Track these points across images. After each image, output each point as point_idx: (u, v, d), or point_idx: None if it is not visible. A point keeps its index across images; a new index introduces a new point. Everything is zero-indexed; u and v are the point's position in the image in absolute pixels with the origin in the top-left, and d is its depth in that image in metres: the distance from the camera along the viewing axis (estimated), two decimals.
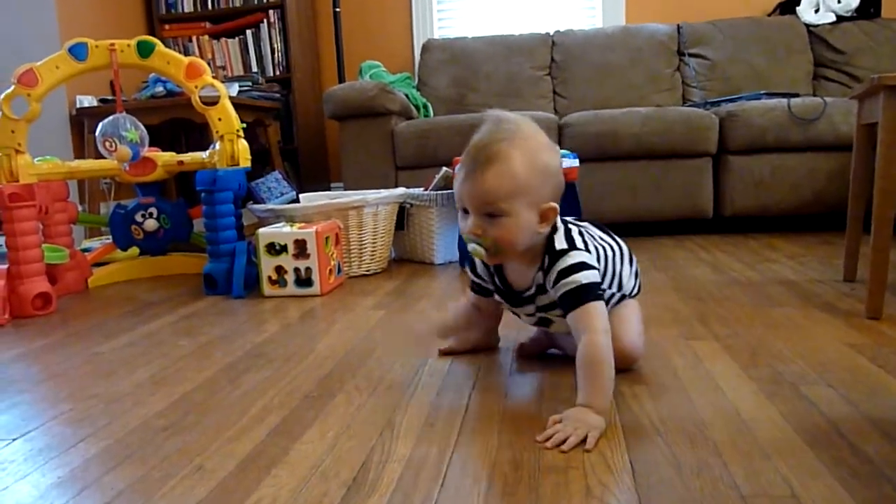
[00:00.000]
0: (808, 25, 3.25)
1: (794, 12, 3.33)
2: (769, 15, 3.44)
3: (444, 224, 2.27)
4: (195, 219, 2.35)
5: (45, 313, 1.87)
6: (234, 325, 1.62)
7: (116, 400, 1.15)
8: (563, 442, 0.89)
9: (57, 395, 1.20)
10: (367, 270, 2.16)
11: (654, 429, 0.93)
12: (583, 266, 1.02)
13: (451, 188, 2.30)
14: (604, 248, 1.14)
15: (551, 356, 1.28)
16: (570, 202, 2.26)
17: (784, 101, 2.63)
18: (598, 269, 1.05)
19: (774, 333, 1.35)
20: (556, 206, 1.01)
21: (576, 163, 2.24)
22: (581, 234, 1.09)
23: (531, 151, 0.98)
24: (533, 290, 1.09)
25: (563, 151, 2.27)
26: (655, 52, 3.29)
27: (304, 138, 3.66)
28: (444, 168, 2.34)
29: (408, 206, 2.31)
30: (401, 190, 2.25)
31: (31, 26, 2.97)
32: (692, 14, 3.45)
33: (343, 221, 2.06)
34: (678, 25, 3.35)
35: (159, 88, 2.97)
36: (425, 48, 3.50)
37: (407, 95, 3.16)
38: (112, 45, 2.06)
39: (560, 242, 1.04)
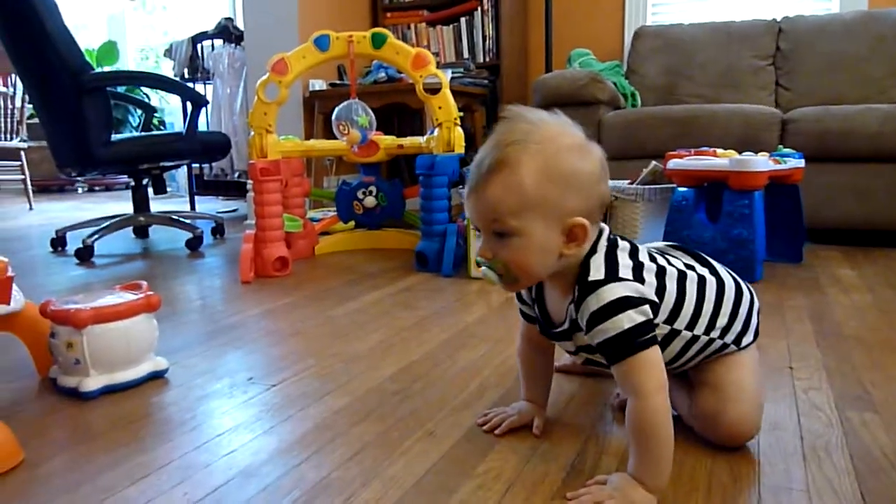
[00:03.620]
0: None
1: None
2: None
3: (648, 219, 2.24)
4: (408, 199, 2.53)
5: (283, 275, 2.14)
6: (445, 303, 1.74)
7: (353, 361, 1.30)
8: None
9: (303, 351, 1.38)
10: None
11: (889, 462, 0.88)
12: (623, 304, 0.79)
13: (660, 183, 2.26)
14: (683, 273, 0.90)
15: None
16: (793, 206, 2.13)
17: None
18: (649, 303, 0.81)
19: None
20: (586, 222, 0.80)
21: (801, 163, 2.10)
22: (635, 254, 0.85)
23: (548, 155, 0.78)
24: (566, 326, 0.88)
25: (787, 151, 2.14)
26: None
27: None
28: (654, 162, 2.30)
29: (612, 198, 2.30)
30: (614, 182, 2.25)
31: (276, 17, 3.32)
32: None
33: None
34: None
35: (381, 74, 3.20)
36: (637, 35, 3.42)
37: (615, 84, 3.12)
38: (350, 36, 2.26)
39: (596, 270, 0.81)
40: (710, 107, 2.72)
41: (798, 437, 0.95)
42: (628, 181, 2.35)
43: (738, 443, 0.91)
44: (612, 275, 0.81)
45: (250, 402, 1.12)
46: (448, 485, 0.83)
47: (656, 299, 0.83)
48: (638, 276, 0.82)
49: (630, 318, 0.78)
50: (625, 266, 0.82)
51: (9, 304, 1.16)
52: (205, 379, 1.23)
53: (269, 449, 0.95)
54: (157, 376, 1.24)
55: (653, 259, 0.87)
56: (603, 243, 0.84)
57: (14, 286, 1.16)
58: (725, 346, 0.93)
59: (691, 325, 0.89)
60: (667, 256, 0.92)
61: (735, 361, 0.93)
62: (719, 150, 2.10)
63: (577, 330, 0.85)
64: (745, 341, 0.94)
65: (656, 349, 0.80)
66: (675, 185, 2.12)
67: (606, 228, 0.86)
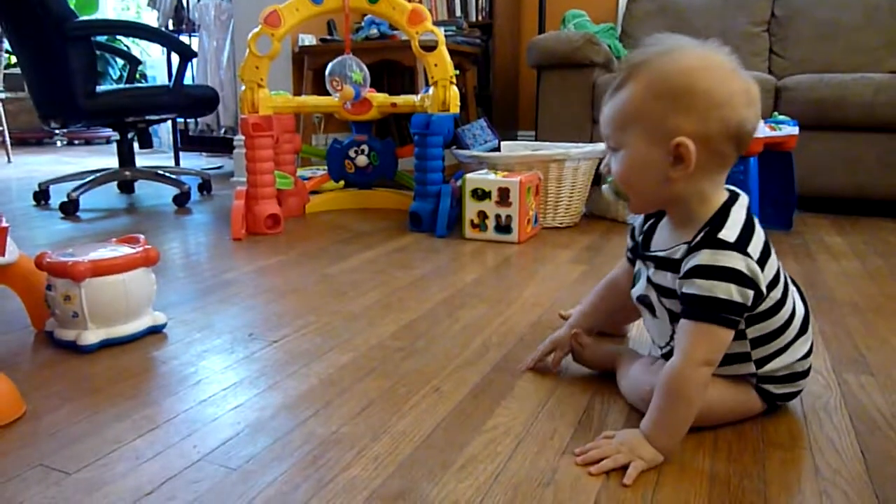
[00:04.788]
0: None
1: None
2: None
3: None
4: (400, 158, 2.50)
5: (274, 232, 2.11)
6: (441, 263, 1.74)
7: (353, 318, 1.30)
8: (596, 462, 0.78)
9: (302, 308, 1.37)
10: (560, 223, 2.20)
11: (887, 422, 0.90)
12: (733, 276, 0.76)
13: None
14: (786, 291, 0.86)
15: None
16: (785, 173, 2.14)
17: None
18: (756, 291, 0.78)
19: None
20: (689, 142, 0.75)
21: (795, 130, 2.10)
22: (767, 244, 0.82)
23: (662, 72, 0.78)
24: (663, 254, 0.85)
25: (781, 118, 2.14)
26: None
27: (499, 85, 3.71)
28: None
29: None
30: (603, 145, 2.24)
31: None
32: None
33: (544, 173, 2.10)
34: None
35: (373, 31, 3.13)
36: None
37: (609, 47, 3.09)
38: None
39: (731, 229, 0.79)
40: None
41: (798, 398, 0.96)
42: None
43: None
44: (742, 245, 0.78)
45: (252, 358, 1.11)
46: (458, 440, 0.84)
47: (766, 292, 0.80)
48: (762, 263, 0.79)
49: (728, 292, 0.76)
50: (755, 247, 0.79)
51: (3, 255, 1.13)
52: (204, 334, 1.23)
53: (275, 404, 0.94)
54: (155, 331, 1.22)
55: (776, 261, 0.84)
56: (742, 212, 0.81)
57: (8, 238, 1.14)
58: (753, 376, 0.87)
59: (757, 343, 0.85)
60: (780, 264, 0.86)
61: (733, 386, 0.87)
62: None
63: (668, 268, 0.83)
64: (769, 387, 0.88)
65: (730, 333, 0.78)
66: None
67: (745, 196, 0.83)
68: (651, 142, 0.79)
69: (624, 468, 0.77)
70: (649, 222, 0.93)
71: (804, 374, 0.90)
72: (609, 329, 1.20)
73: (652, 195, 0.84)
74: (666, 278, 0.84)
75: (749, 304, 0.78)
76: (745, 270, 0.77)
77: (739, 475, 0.77)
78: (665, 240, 0.87)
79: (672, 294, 0.83)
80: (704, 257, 0.78)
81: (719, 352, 0.79)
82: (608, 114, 0.83)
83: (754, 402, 0.89)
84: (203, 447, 0.82)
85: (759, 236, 0.81)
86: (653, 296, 0.88)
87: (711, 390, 0.82)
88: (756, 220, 0.83)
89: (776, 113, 2.31)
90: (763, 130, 1.92)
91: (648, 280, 0.88)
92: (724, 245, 0.77)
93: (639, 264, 0.93)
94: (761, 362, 0.86)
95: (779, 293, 0.84)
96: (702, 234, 0.80)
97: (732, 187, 0.86)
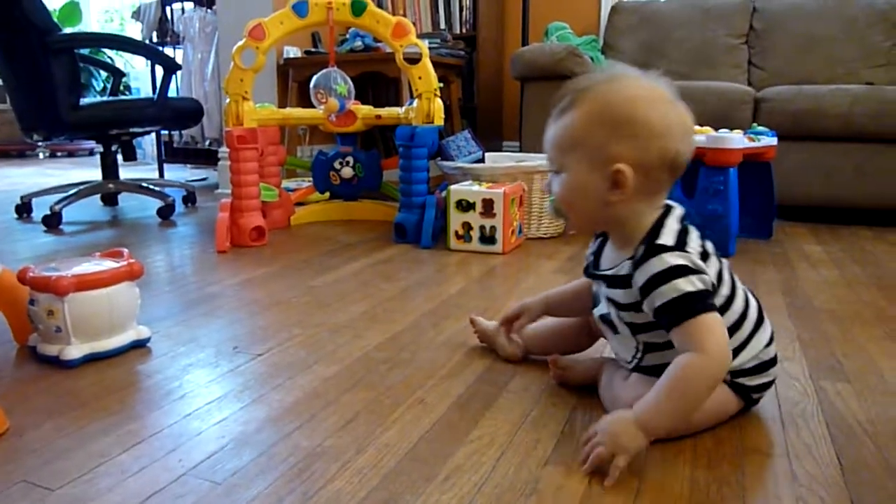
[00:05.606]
0: None
1: None
2: None
3: None
4: (385, 170, 2.52)
5: (259, 245, 2.11)
6: (426, 274, 1.75)
7: (337, 330, 1.31)
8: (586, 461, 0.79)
9: (286, 320, 1.37)
10: (544, 234, 2.21)
11: (862, 429, 0.92)
12: (684, 270, 0.80)
13: None
14: (734, 284, 0.91)
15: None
16: (765, 183, 2.18)
17: None
18: (709, 279, 0.82)
19: None
20: (626, 168, 0.80)
21: (774, 141, 2.14)
22: (704, 246, 0.86)
23: (606, 100, 0.82)
24: (611, 273, 0.89)
25: (760, 129, 2.18)
26: (872, 23, 3.00)
27: (483, 97, 3.74)
28: None
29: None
30: None
31: None
32: None
33: (527, 184, 2.12)
34: None
35: (358, 43, 3.15)
36: (614, 10, 3.42)
37: (592, 59, 3.13)
38: (329, 3, 2.22)
39: (667, 236, 0.83)
40: (686, 84, 2.74)
41: (776, 405, 0.98)
42: None
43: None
44: (680, 246, 0.82)
45: (237, 371, 1.12)
46: (442, 451, 0.85)
47: (716, 283, 0.84)
48: (704, 259, 0.84)
49: (692, 283, 0.80)
50: (693, 246, 0.84)
51: None
52: (188, 348, 1.23)
53: (260, 417, 0.95)
54: (139, 345, 1.22)
55: (716, 261, 0.88)
56: (675, 220, 0.86)
57: None
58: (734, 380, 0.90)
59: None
60: (722, 264, 0.90)
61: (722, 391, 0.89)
62: (696, 127, 2.12)
63: (621, 286, 0.87)
64: (742, 380, 0.90)
65: (718, 316, 0.81)
66: None
67: (680, 208, 0.88)
68: (591, 167, 0.83)
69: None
70: (598, 241, 0.97)
71: (772, 362, 0.93)
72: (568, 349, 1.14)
73: (591, 216, 0.89)
74: (617, 294, 0.88)
75: (711, 289, 0.82)
76: (689, 264, 0.81)
77: (718, 482, 0.79)
78: (611, 259, 0.92)
79: (628, 307, 0.87)
80: (653, 265, 0.82)
81: (724, 335, 0.80)
82: (552, 137, 0.87)
83: (731, 401, 0.91)
84: (188, 461, 0.83)
85: (693, 239, 0.85)
86: (613, 312, 0.91)
87: None
88: (691, 227, 0.87)
89: (755, 124, 2.35)
90: (742, 141, 1.95)
91: (607, 298, 0.92)
92: (665, 249, 0.82)
93: (596, 284, 0.96)
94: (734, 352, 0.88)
95: (726, 289, 0.88)
96: (642, 247, 0.84)
97: (668, 201, 0.89)
